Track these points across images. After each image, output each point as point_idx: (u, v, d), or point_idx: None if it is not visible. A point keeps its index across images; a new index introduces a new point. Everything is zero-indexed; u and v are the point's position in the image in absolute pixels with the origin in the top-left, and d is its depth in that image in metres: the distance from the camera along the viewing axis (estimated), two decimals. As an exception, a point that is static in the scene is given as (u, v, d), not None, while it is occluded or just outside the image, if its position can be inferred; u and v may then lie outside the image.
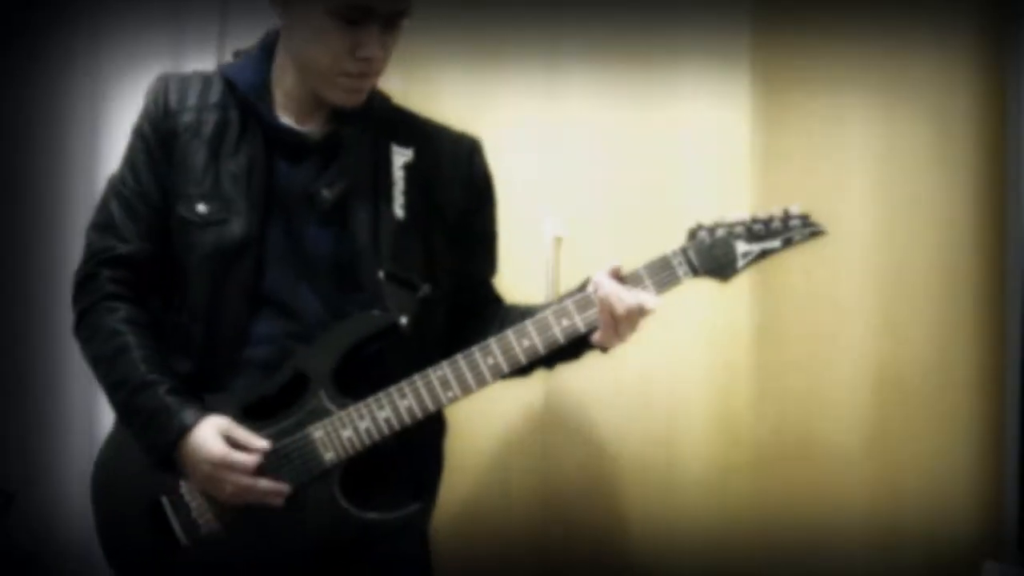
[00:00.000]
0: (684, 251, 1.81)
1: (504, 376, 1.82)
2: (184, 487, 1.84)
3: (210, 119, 1.87)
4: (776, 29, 2.33)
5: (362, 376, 1.82)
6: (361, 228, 1.86)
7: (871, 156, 2.34)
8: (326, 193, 1.85)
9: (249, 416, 1.82)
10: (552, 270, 2.49)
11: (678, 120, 2.40)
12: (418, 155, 1.92)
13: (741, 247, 1.80)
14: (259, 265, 1.84)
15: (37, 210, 2.62)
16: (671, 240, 1.84)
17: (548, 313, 1.80)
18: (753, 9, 2.34)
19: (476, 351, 1.80)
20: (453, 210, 1.95)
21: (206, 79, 1.91)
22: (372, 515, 1.82)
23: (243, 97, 1.87)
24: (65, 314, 1.96)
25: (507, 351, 1.79)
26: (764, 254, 1.81)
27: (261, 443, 1.79)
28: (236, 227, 1.83)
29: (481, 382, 1.81)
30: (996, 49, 2.30)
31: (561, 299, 1.83)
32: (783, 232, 1.80)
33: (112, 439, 1.94)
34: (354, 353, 1.83)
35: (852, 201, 2.34)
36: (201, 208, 1.84)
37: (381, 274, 1.84)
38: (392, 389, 1.80)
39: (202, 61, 2.56)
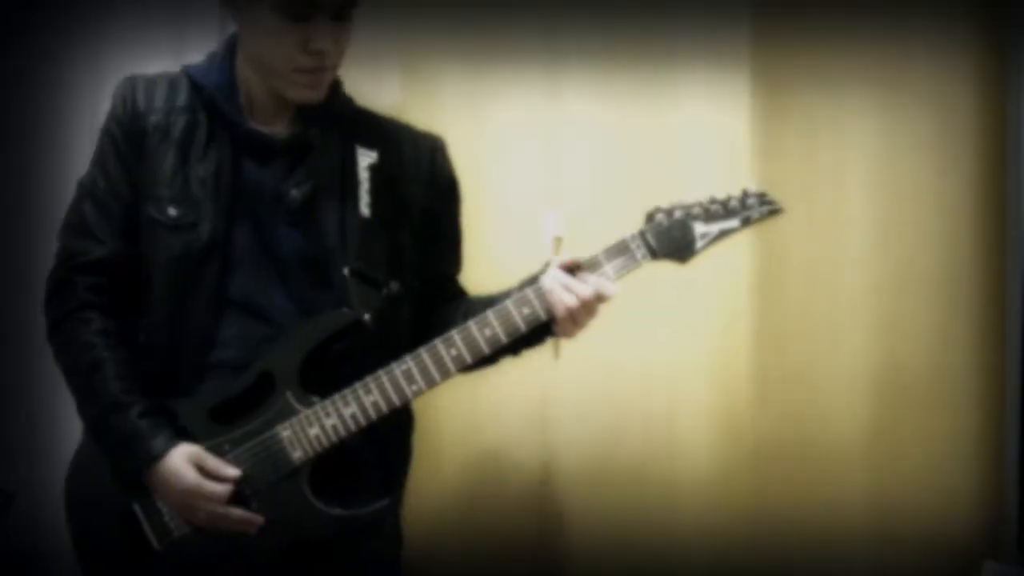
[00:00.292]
0: (642, 234, 1.80)
1: (469, 367, 1.82)
2: None
3: (179, 121, 1.87)
4: (776, 29, 2.34)
5: (329, 374, 1.82)
6: (330, 227, 1.86)
7: (871, 156, 2.34)
8: (295, 193, 1.85)
9: (217, 418, 1.83)
10: (552, 270, 2.48)
11: (678, 120, 2.40)
12: (382, 157, 1.93)
13: (699, 228, 1.79)
14: (226, 268, 1.84)
15: (38, 210, 2.62)
16: (671, 239, 1.84)
17: (509, 302, 1.80)
18: (753, 9, 2.34)
19: (439, 343, 1.80)
20: (417, 209, 1.96)
21: (172, 80, 1.91)
22: (341, 511, 1.82)
23: (210, 99, 1.88)
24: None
25: (470, 342, 1.79)
26: (723, 234, 1.79)
27: (232, 472, 1.79)
28: (204, 231, 1.83)
29: (445, 374, 1.80)
30: (996, 49, 2.30)
31: (522, 286, 1.83)
32: (741, 211, 1.79)
33: (84, 447, 1.93)
34: (320, 351, 1.83)
35: (852, 201, 2.34)
36: (172, 211, 1.84)
37: (346, 271, 1.85)
38: (358, 385, 1.80)
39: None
